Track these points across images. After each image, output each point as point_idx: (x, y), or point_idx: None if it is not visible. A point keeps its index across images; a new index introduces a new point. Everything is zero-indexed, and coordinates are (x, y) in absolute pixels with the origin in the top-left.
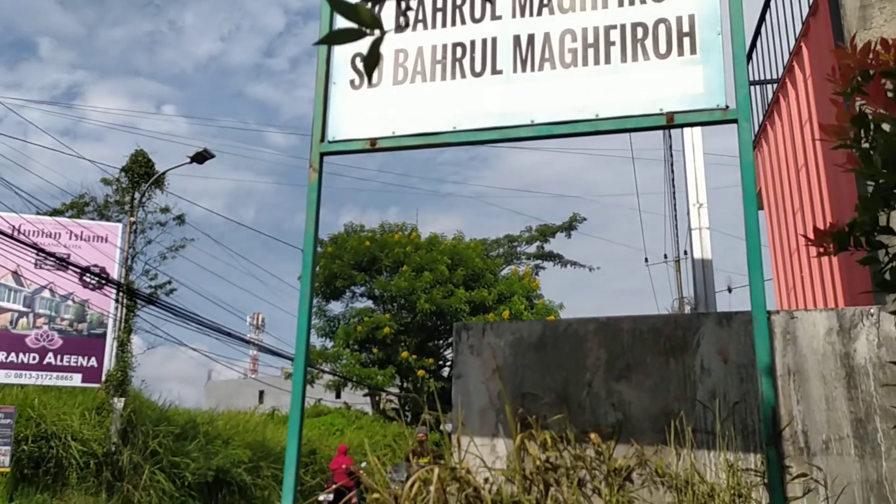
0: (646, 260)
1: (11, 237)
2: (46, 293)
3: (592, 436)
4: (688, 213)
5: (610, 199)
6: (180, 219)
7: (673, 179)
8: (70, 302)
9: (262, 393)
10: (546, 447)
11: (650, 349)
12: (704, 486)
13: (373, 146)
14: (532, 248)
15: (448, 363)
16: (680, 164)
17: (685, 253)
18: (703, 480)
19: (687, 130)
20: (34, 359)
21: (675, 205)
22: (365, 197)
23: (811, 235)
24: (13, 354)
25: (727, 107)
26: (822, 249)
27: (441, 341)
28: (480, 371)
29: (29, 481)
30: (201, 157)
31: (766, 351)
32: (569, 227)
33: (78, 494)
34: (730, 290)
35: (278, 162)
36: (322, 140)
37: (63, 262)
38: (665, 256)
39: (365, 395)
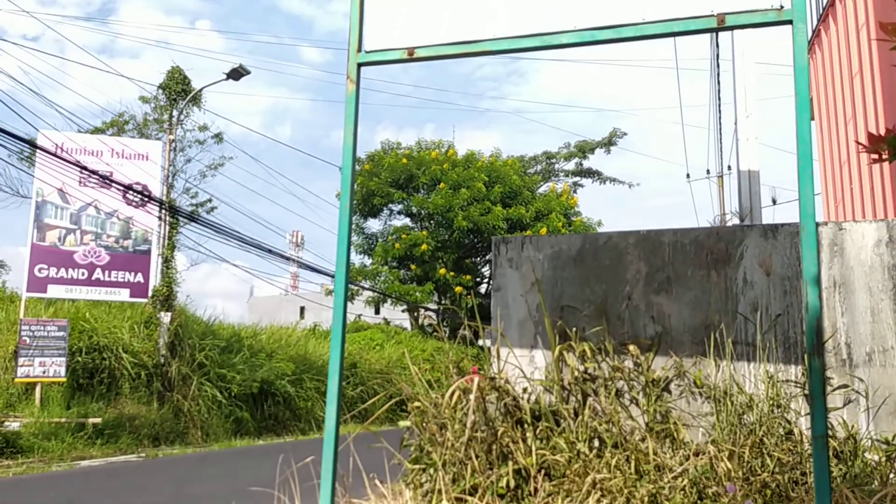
0: (687, 176)
1: (55, 155)
2: (91, 210)
3: (631, 348)
4: (735, 124)
5: (651, 113)
6: (218, 137)
7: (719, 91)
8: (115, 219)
9: (302, 309)
10: (584, 358)
11: (691, 262)
12: (743, 397)
13: (410, 56)
14: (570, 165)
15: (485, 280)
16: (726, 75)
17: (728, 168)
18: (742, 391)
19: (737, 35)
20: (83, 274)
21: (720, 118)
22: (401, 114)
23: (865, 142)
24: (63, 270)
25: (781, 7)
26: (875, 157)
27: (478, 258)
28: (519, 284)
29: (84, 390)
30: (237, 74)
31: (813, 261)
32: (608, 142)
33: (131, 403)
34: (774, 201)
35: (314, 78)
36: (359, 50)
37: (106, 180)
38: (707, 172)
39: (403, 311)
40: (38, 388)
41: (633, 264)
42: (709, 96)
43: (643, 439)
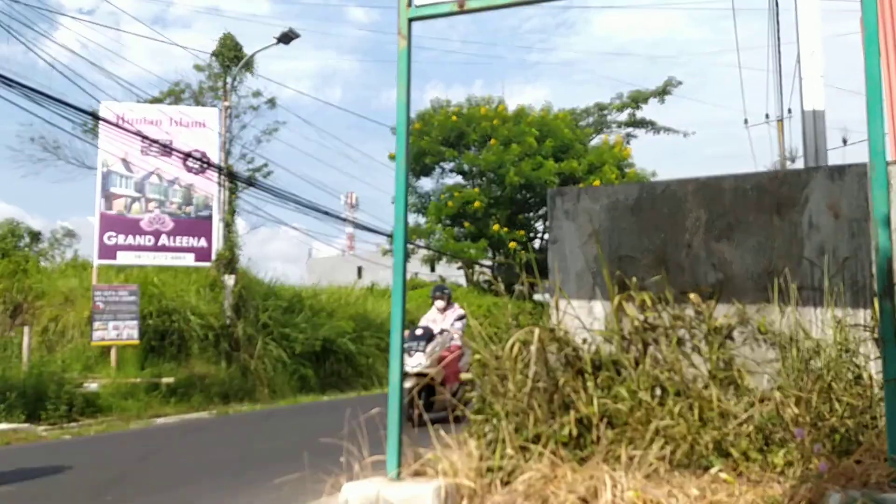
0: (745, 121)
1: (117, 126)
2: (154, 178)
3: (692, 296)
4: (798, 62)
5: (706, 59)
6: (271, 102)
7: (778, 30)
8: (176, 186)
9: (360, 269)
10: (644, 308)
11: (754, 207)
12: (810, 343)
13: (461, 8)
14: (623, 116)
15: (539, 235)
16: (787, 14)
17: (789, 111)
18: (809, 336)
19: None
20: (149, 241)
21: (779, 59)
22: (449, 71)
23: None
24: (131, 237)
25: None
26: None
27: (531, 213)
28: (576, 236)
29: (156, 352)
30: (287, 38)
31: (883, 201)
32: (662, 91)
33: (200, 363)
34: (845, 141)
35: (362, 38)
36: (409, 5)
37: (167, 148)
38: (767, 116)
39: (459, 268)
40: (113, 351)
41: (693, 212)
42: (767, 37)
43: (706, 387)
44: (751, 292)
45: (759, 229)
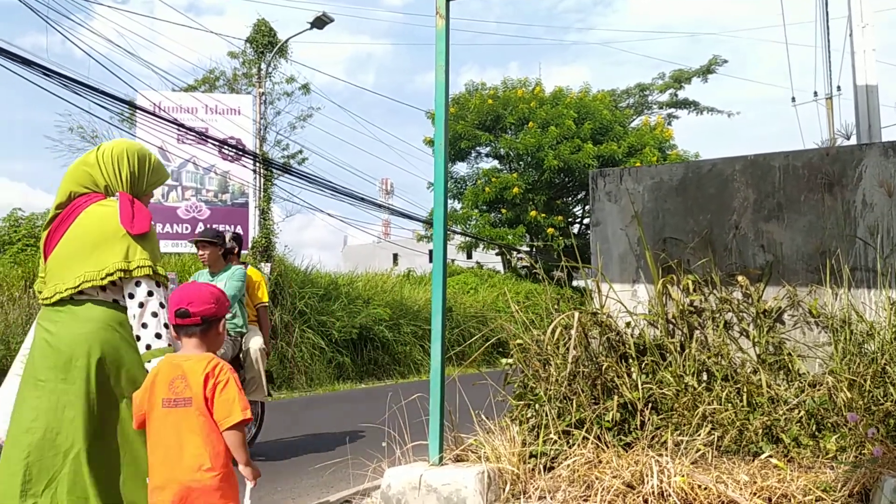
0: (793, 99)
1: (154, 114)
2: (190, 166)
3: (740, 278)
4: (850, 35)
5: (751, 36)
6: (305, 88)
7: (827, 4)
8: (212, 174)
9: (395, 255)
10: (689, 291)
11: (804, 186)
12: (863, 325)
13: None
14: (665, 97)
15: (577, 220)
16: None
17: (839, 88)
18: (862, 319)
19: None
20: (186, 228)
21: (828, 34)
22: (485, 53)
23: None
24: (168, 225)
25: None
26: None
27: (569, 199)
28: (619, 218)
29: None
30: (321, 22)
31: None
32: (706, 70)
33: None
34: None
35: (395, 21)
36: None
37: (202, 136)
38: (815, 94)
39: (497, 255)
40: None
41: (741, 191)
42: (816, 11)
43: (755, 371)
44: (801, 274)
45: (809, 209)
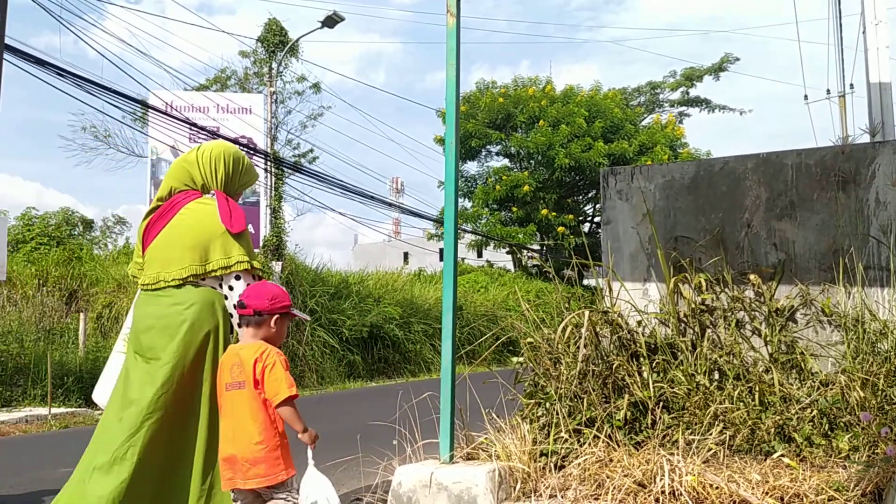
0: (805, 97)
1: (166, 113)
2: None
3: (752, 277)
4: (863, 32)
5: (763, 34)
6: (316, 87)
7: (839, 1)
8: None
9: (406, 254)
10: (701, 290)
11: (817, 184)
12: (876, 324)
13: None
14: (676, 95)
15: (588, 219)
16: None
17: (851, 86)
18: (875, 318)
19: None
20: None
21: (840, 32)
22: (495, 52)
23: None
24: None
25: None
26: None
27: (580, 197)
28: (630, 216)
29: None
30: (332, 21)
31: None
32: (719, 68)
33: None
34: None
35: (405, 20)
36: None
37: (214, 135)
38: (828, 92)
39: (507, 253)
40: None
41: (753, 189)
42: (828, 8)
43: (767, 370)
44: (814, 272)
45: (822, 207)
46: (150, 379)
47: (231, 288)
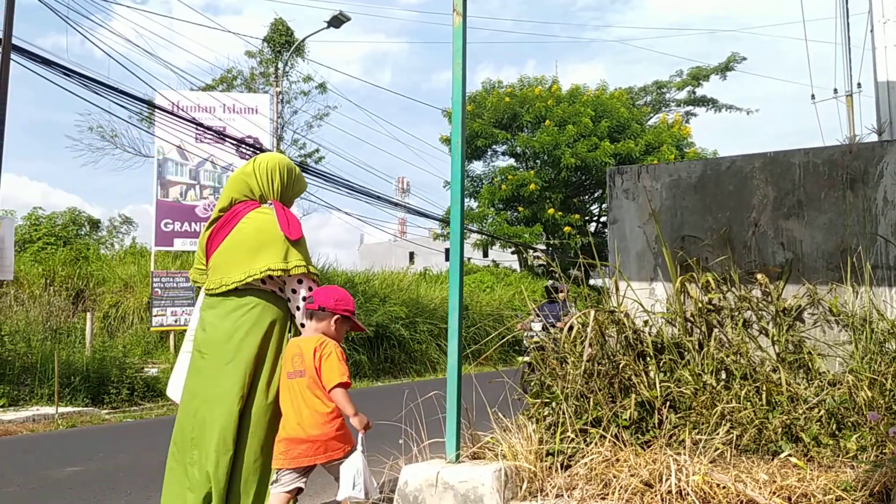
0: (812, 97)
1: (172, 113)
2: (209, 165)
3: (759, 276)
4: (871, 31)
5: (771, 32)
6: (322, 87)
7: (847, 0)
8: (230, 173)
9: (411, 254)
10: (708, 289)
11: (825, 183)
12: (884, 324)
13: None
14: (682, 94)
15: (594, 219)
16: None
17: (859, 86)
18: (883, 317)
19: None
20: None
21: (848, 31)
22: (501, 51)
23: None
24: (186, 224)
25: None
26: None
27: (587, 196)
28: (636, 215)
29: None
30: (338, 21)
31: None
32: (725, 67)
33: None
34: None
35: (410, 20)
36: None
37: (220, 135)
38: (835, 91)
39: (513, 253)
40: (171, 336)
41: (760, 188)
42: (835, 7)
43: (774, 370)
44: (822, 272)
45: (830, 206)
46: (214, 375)
47: (294, 291)
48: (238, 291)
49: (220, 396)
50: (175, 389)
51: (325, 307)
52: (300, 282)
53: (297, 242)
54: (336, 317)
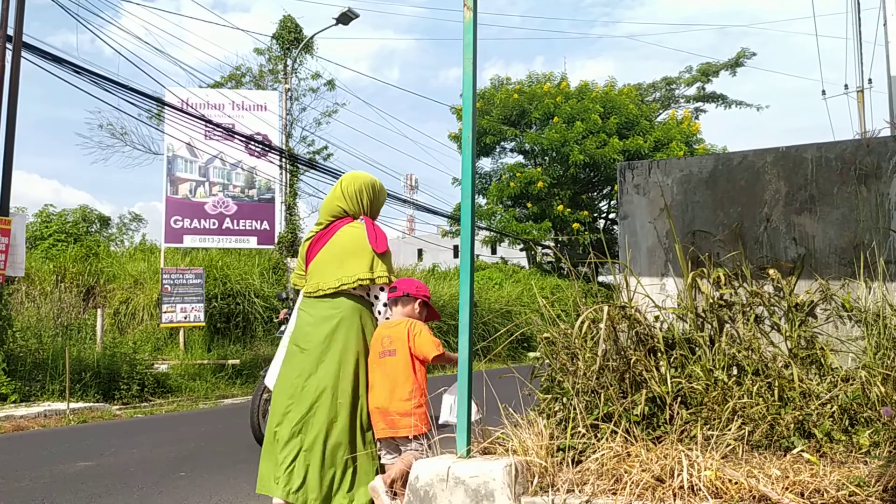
0: (823, 92)
1: (182, 111)
2: (218, 162)
3: (771, 272)
4: (883, 25)
5: (781, 27)
6: (331, 84)
7: None
8: (239, 170)
9: (420, 251)
10: (719, 284)
11: (837, 178)
12: None
13: None
14: (692, 90)
15: (603, 215)
16: None
17: (870, 81)
18: None
19: None
20: (214, 224)
21: (859, 25)
22: (509, 48)
23: None
24: (196, 221)
25: None
26: None
27: (595, 193)
28: (647, 211)
29: (222, 334)
30: (346, 18)
31: None
32: (735, 63)
33: (265, 345)
34: None
35: (418, 16)
36: None
37: (229, 132)
38: (846, 87)
39: (521, 250)
40: (181, 333)
41: (772, 183)
42: (847, 1)
43: (786, 366)
44: (834, 267)
45: (843, 201)
46: (311, 364)
47: (377, 297)
48: (332, 295)
49: (317, 382)
50: (272, 378)
51: (409, 293)
52: (382, 289)
53: (383, 255)
54: (418, 300)
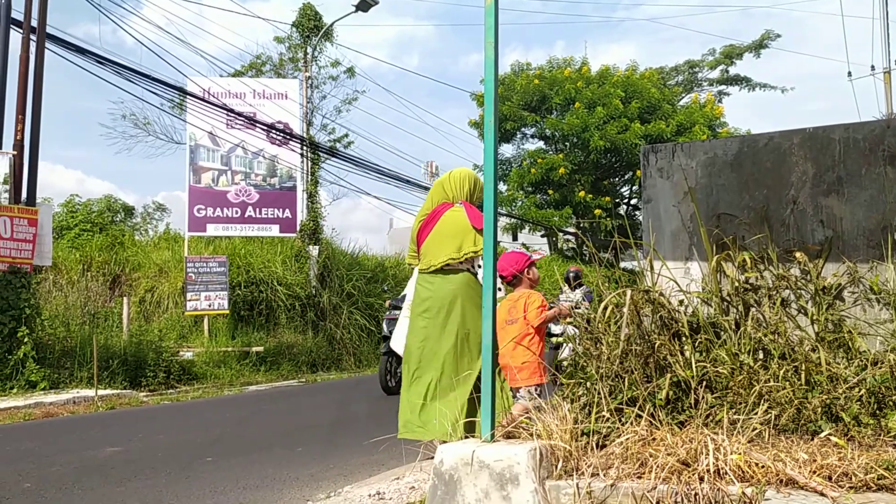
0: (849, 73)
1: (204, 100)
2: (240, 151)
3: (798, 254)
4: None
5: (806, 8)
6: (350, 71)
7: None
8: (261, 158)
9: None
10: (745, 268)
11: (865, 159)
12: None
13: None
14: (715, 73)
15: (625, 201)
16: None
17: None
18: None
19: None
20: (236, 213)
21: (886, 5)
22: (529, 33)
23: None
24: (219, 210)
25: None
26: None
27: (617, 179)
28: (671, 194)
29: (246, 322)
30: (366, 5)
31: None
32: (759, 45)
33: (288, 332)
34: None
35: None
36: None
37: (251, 121)
38: (872, 68)
39: (543, 236)
40: (205, 321)
41: (799, 165)
42: None
43: (813, 349)
44: (862, 250)
45: (871, 182)
46: (434, 331)
47: (480, 266)
48: (443, 270)
49: (440, 342)
50: (398, 343)
51: (516, 273)
52: None
53: (482, 231)
54: (524, 272)
